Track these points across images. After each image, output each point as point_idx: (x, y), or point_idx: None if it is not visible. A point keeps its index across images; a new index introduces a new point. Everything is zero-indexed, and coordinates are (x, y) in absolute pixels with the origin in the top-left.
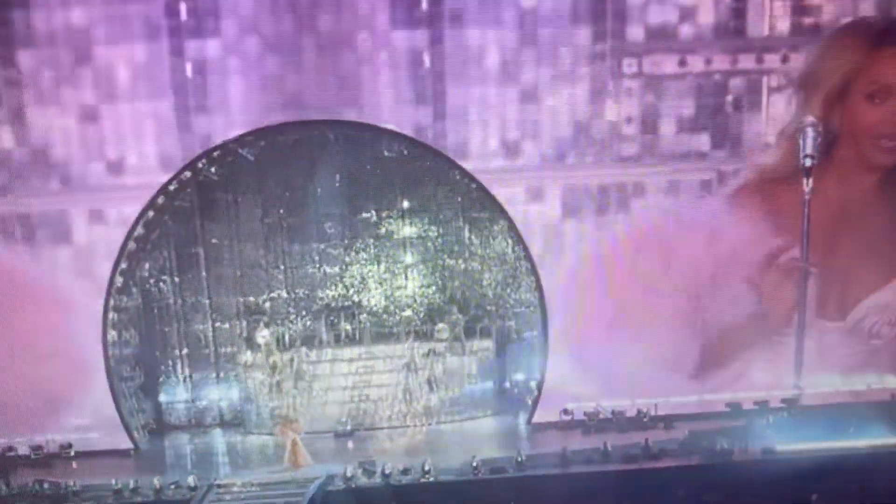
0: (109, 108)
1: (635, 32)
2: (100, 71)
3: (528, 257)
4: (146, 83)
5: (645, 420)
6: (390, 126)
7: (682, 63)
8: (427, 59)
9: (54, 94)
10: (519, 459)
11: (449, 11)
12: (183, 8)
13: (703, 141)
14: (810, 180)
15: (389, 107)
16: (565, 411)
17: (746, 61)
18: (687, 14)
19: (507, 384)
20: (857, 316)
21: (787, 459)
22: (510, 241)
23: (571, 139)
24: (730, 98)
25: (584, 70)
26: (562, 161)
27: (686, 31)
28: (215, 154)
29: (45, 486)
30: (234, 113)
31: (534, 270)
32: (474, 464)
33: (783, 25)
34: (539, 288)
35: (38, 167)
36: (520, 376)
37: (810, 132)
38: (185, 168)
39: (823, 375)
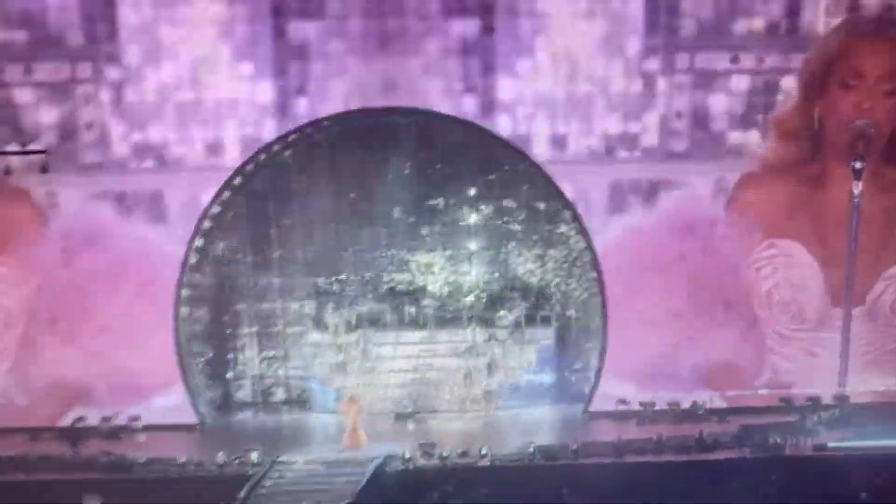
0: (207, 89)
1: (688, 27)
2: (201, 52)
3: (590, 248)
4: (247, 65)
5: (699, 412)
6: (460, 116)
7: (735, 60)
8: (483, 50)
9: (153, 74)
10: (574, 447)
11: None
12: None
13: (752, 137)
14: (860, 183)
15: (453, 96)
16: (621, 401)
17: (798, 61)
18: (740, 11)
19: (566, 373)
20: (874, 294)
21: (838, 456)
22: (573, 232)
23: (621, 134)
24: (780, 96)
25: (635, 64)
26: (611, 155)
27: (739, 27)
28: (290, 138)
29: (112, 457)
30: (325, 97)
31: (596, 261)
32: (530, 450)
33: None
34: (600, 279)
35: (133, 146)
36: (578, 365)
37: (862, 133)
38: (261, 150)
39: (867, 372)
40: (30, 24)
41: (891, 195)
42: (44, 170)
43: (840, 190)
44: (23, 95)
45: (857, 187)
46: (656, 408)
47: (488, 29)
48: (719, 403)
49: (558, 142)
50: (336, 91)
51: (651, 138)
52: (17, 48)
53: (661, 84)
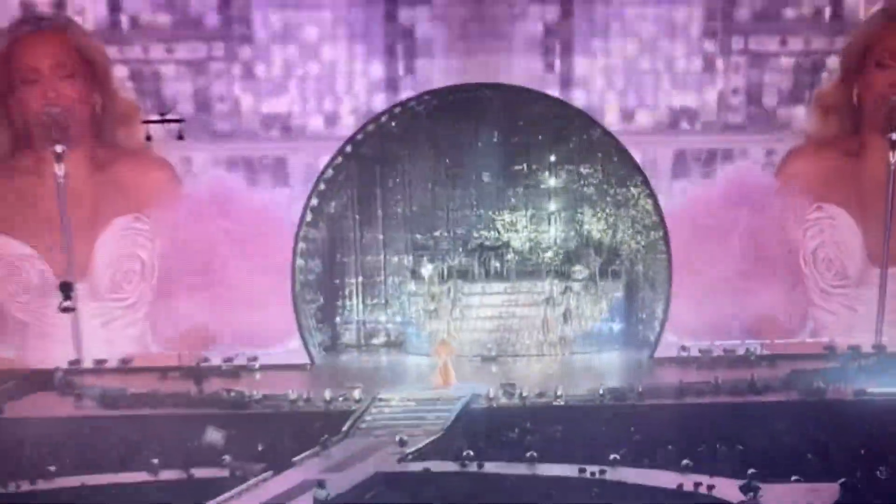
0: (325, 67)
1: (742, 13)
2: (325, 33)
3: (658, 210)
4: (361, 45)
5: (752, 358)
6: (543, 90)
7: (783, 42)
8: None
9: (278, 53)
10: (640, 390)
11: None
12: None
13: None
14: (895, 153)
15: (536, 72)
16: (683, 348)
17: (841, 43)
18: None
19: (633, 321)
20: None
21: (877, 401)
22: (643, 195)
23: (683, 108)
24: (825, 75)
25: (696, 45)
26: (676, 127)
27: (788, 13)
28: (396, 110)
29: (232, 393)
30: (430, 74)
31: (662, 222)
32: (601, 391)
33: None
34: (665, 238)
35: (261, 117)
36: (644, 315)
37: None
38: (369, 122)
39: None
40: (172, 8)
41: None
42: (180, 137)
43: (878, 160)
44: (165, 70)
45: (894, 157)
46: (713, 354)
47: (567, 13)
48: (769, 351)
49: (627, 114)
50: (437, 68)
51: (710, 113)
52: (160, 29)
53: (719, 64)
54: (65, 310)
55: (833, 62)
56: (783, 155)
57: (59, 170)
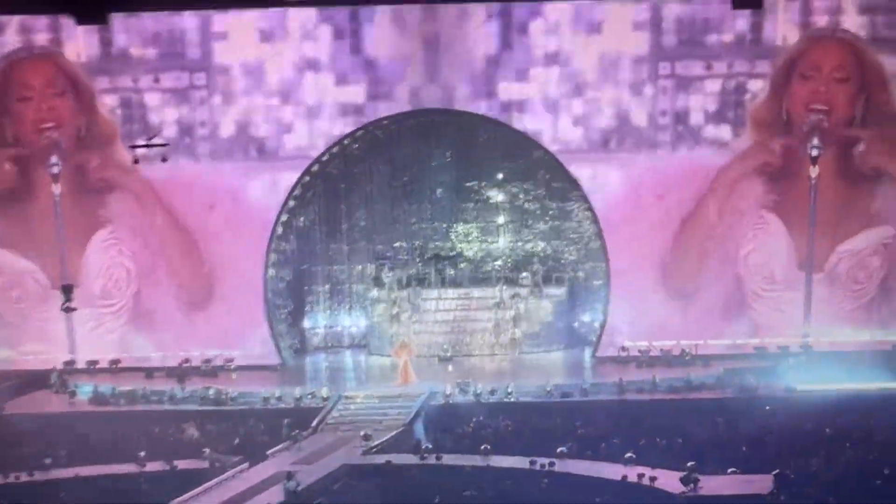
0: (296, 94)
1: (669, 40)
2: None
3: (596, 221)
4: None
5: (687, 358)
6: (489, 114)
7: (709, 67)
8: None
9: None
10: (584, 386)
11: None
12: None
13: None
14: (817, 168)
15: (481, 100)
16: (623, 348)
17: (762, 66)
18: (713, 27)
19: (576, 324)
20: (832, 263)
21: (805, 397)
22: (582, 207)
23: (616, 128)
24: (748, 96)
25: (626, 70)
26: (609, 145)
27: (712, 40)
28: (358, 133)
29: (211, 391)
30: (392, 100)
31: (600, 232)
32: (548, 388)
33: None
34: (603, 246)
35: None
36: (586, 318)
37: (817, 125)
38: (334, 144)
39: (829, 325)
40: (158, 42)
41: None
42: (164, 159)
43: (806, 169)
44: (151, 99)
45: (814, 171)
46: (651, 354)
47: (507, 45)
48: (704, 351)
49: (566, 135)
50: (396, 96)
51: (640, 132)
52: (148, 61)
53: (648, 88)
54: (67, 309)
55: (755, 84)
56: (717, 167)
57: (56, 189)
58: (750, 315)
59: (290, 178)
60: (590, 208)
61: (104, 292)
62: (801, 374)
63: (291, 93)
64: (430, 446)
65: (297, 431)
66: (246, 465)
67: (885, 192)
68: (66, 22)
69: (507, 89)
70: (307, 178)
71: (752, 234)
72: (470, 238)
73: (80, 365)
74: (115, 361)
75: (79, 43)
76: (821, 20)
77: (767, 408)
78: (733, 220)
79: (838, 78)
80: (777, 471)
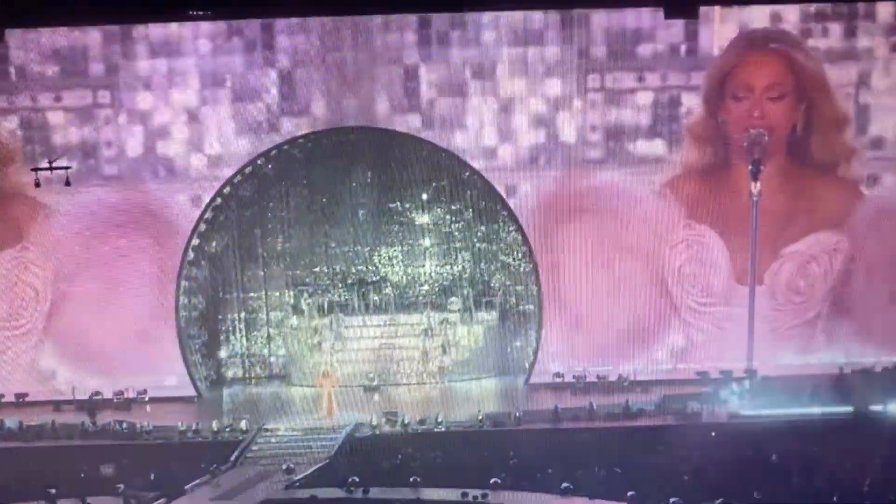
0: (206, 111)
1: (599, 51)
2: (204, 81)
3: (526, 242)
4: (240, 90)
5: (625, 384)
6: (411, 132)
7: (641, 79)
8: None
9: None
10: (517, 415)
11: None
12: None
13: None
14: (758, 183)
15: (403, 116)
16: (557, 374)
17: (698, 78)
18: (645, 37)
19: (508, 350)
20: (771, 273)
21: (750, 423)
22: (512, 229)
23: (545, 145)
24: (683, 109)
25: (554, 84)
26: (538, 163)
27: (644, 51)
28: (272, 153)
29: (124, 425)
30: (307, 117)
31: (531, 254)
32: (479, 417)
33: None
34: (535, 269)
35: (146, 160)
36: (519, 343)
37: (757, 140)
38: (246, 164)
39: (772, 347)
40: (59, 59)
41: (791, 189)
42: (68, 183)
43: (745, 184)
44: (53, 118)
45: (755, 187)
46: (587, 380)
47: (426, 58)
48: (642, 376)
49: (493, 153)
50: (311, 113)
51: (569, 148)
52: (48, 78)
53: (577, 102)
54: None
55: (690, 97)
56: (651, 183)
57: None
58: (690, 332)
59: (200, 200)
60: (519, 229)
61: (10, 313)
62: (745, 399)
63: (201, 110)
64: (357, 479)
65: (215, 466)
66: (163, 500)
67: (827, 197)
68: None
69: (430, 104)
70: (219, 201)
71: (686, 244)
72: (394, 262)
73: None
74: (22, 395)
75: None
76: (757, 30)
77: (713, 434)
78: (668, 236)
79: (773, 97)
80: (721, 500)
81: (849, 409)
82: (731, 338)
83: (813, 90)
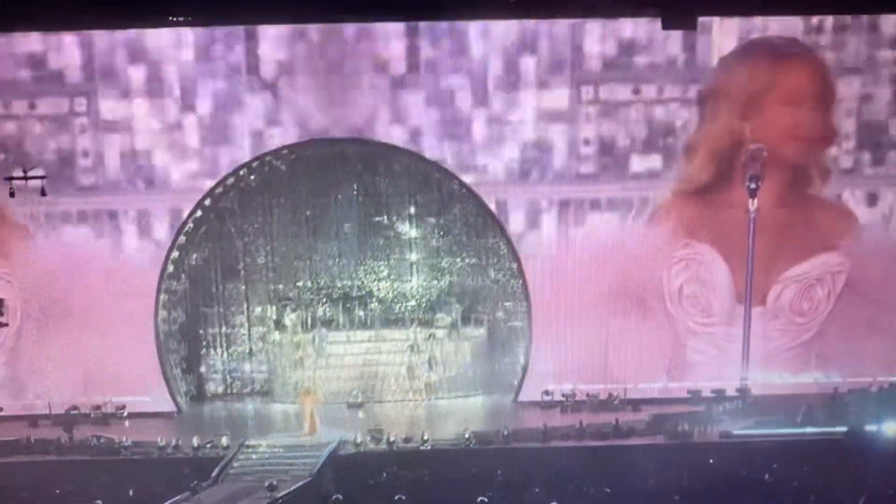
0: (186, 120)
1: (593, 63)
2: (185, 89)
3: (516, 257)
4: (223, 98)
5: (615, 402)
6: (399, 144)
7: (636, 91)
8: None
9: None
10: (505, 433)
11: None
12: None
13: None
14: (755, 201)
15: (390, 127)
16: (546, 392)
17: (695, 90)
18: (640, 49)
19: (496, 367)
20: (774, 295)
21: (743, 442)
22: (501, 244)
23: (537, 158)
24: (679, 123)
25: (546, 96)
26: (529, 177)
27: (639, 62)
28: (255, 164)
29: (101, 440)
30: (291, 127)
31: (520, 270)
32: (466, 435)
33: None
34: (525, 284)
35: (125, 171)
36: (507, 360)
37: (755, 156)
38: (228, 175)
39: (770, 367)
40: (33, 65)
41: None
42: (43, 193)
43: (744, 202)
44: (27, 127)
45: (753, 204)
46: (577, 398)
47: (413, 68)
48: (633, 395)
49: (483, 166)
50: (296, 123)
51: (562, 161)
52: (22, 85)
53: (570, 114)
54: None
55: (687, 110)
56: (646, 199)
57: None
58: (688, 353)
59: (180, 212)
60: (508, 243)
61: None
62: (738, 419)
63: (182, 119)
64: (341, 497)
65: (196, 482)
66: None
67: (830, 216)
68: None
69: (418, 116)
70: (199, 213)
71: (684, 264)
72: (380, 276)
73: None
74: None
75: None
76: (757, 42)
77: (708, 457)
78: (664, 253)
79: (775, 111)
80: None
81: (843, 428)
82: (733, 359)
83: (815, 104)
